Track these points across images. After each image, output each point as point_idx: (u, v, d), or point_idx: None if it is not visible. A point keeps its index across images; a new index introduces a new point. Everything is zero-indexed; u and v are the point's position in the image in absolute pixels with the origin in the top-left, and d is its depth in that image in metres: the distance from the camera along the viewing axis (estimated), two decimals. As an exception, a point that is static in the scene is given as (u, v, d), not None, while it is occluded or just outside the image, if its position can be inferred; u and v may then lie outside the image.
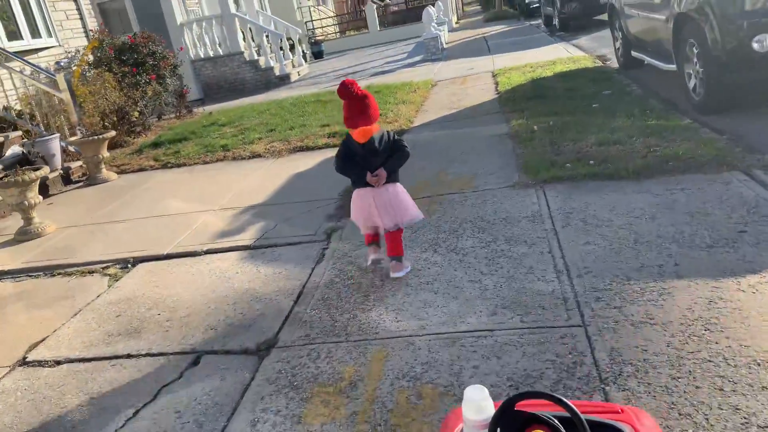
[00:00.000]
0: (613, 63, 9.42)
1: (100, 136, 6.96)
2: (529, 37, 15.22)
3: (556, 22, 15.44)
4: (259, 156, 7.15)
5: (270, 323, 3.19)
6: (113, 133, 7.30)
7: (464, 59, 13.05)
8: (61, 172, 7.13)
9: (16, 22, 9.52)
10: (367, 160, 3.25)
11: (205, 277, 3.97)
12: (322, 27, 23.49)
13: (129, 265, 4.43)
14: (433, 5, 17.86)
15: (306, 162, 6.56)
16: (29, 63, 7.61)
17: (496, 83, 9.27)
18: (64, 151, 7.38)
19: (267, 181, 6.07)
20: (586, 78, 8.22)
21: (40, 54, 9.99)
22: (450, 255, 3.60)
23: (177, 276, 4.08)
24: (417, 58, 14.58)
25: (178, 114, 11.08)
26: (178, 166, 7.35)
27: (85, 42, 10.94)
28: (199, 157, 7.44)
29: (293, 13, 21.84)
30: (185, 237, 4.77)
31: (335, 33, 24.02)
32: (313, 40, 19.97)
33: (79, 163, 7.43)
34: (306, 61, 19.09)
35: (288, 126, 8.27)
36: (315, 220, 4.67)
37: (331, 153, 6.84)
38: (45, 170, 5.54)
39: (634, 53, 8.01)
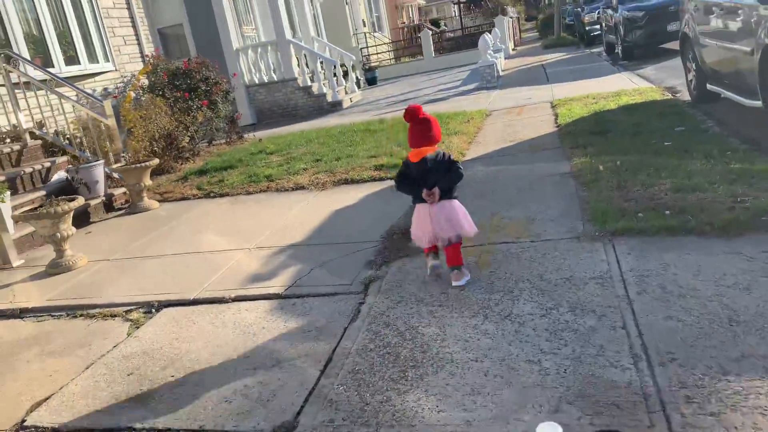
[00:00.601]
0: (684, 95, 8.71)
1: (143, 164, 6.77)
2: (589, 65, 14.55)
3: (618, 50, 14.71)
4: (302, 188, 6.81)
5: (291, 398, 2.74)
6: (156, 161, 7.11)
7: (521, 88, 12.51)
8: (104, 199, 6.97)
9: (74, 47, 9.59)
10: (423, 178, 3.54)
11: (228, 331, 3.56)
12: (377, 53, 23.39)
13: (153, 310, 4.08)
14: (490, 32, 17.42)
15: (350, 196, 6.16)
16: (77, 88, 7.53)
17: (556, 115, 8.69)
18: (108, 177, 7.23)
19: (307, 216, 5.69)
20: (654, 112, 7.56)
21: (97, 78, 10.04)
22: (504, 324, 3.07)
23: (200, 327, 3.70)
24: (471, 86, 14.12)
25: (228, 140, 10.94)
26: (221, 195, 7.07)
27: (141, 66, 10.97)
28: (242, 187, 7.16)
29: (349, 39, 21.81)
30: (215, 279, 4.41)
31: (390, 59, 23.88)
32: (367, 67, 19.82)
33: (123, 189, 7.27)
34: (359, 87, 18.95)
35: (335, 156, 7.92)
36: (353, 267, 4.23)
37: (377, 187, 6.45)
38: (79, 201, 5.32)
39: (709, 86, 7.32)
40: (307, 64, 15.05)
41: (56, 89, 7.38)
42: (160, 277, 4.67)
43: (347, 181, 6.75)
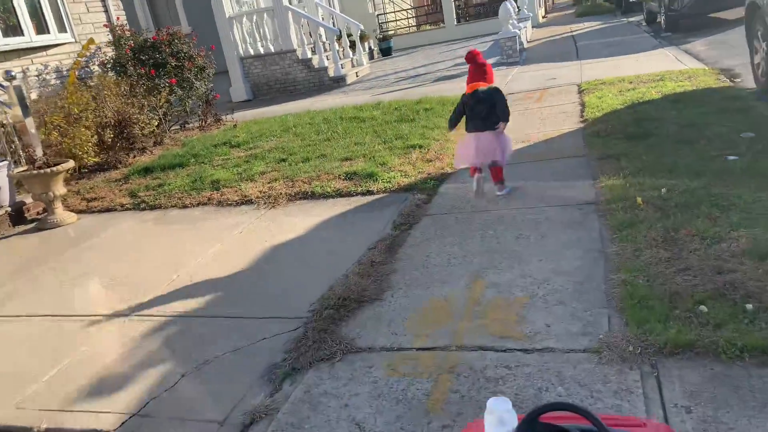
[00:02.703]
0: (747, 82, 6.79)
1: (51, 170, 5.26)
2: (627, 38, 12.45)
3: (662, 19, 12.55)
4: (249, 202, 5.23)
5: None
6: (70, 164, 5.59)
7: (546, 64, 10.58)
8: (9, 209, 5.51)
9: (16, 14, 8.05)
10: (475, 107, 4.22)
11: None
12: (396, 21, 21.34)
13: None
14: (516, -1, 15.34)
15: (300, 222, 4.56)
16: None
17: (582, 104, 6.88)
18: (18, 183, 5.75)
19: (234, 254, 4.13)
20: (710, 106, 5.71)
21: (50, 52, 8.51)
22: None
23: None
24: (491, 61, 12.15)
25: (203, 123, 9.37)
26: (152, 208, 5.54)
27: (110, 38, 9.41)
28: (180, 196, 5.61)
29: (365, 4, 19.81)
30: (46, 380, 2.90)
31: (408, 27, 21.80)
32: (380, 36, 17.89)
33: (40, 196, 5.79)
34: (373, 58, 17.11)
35: (304, 154, 6.30)
36: (244, 375, 2.67)
37: (340, 206, 4.84)
38: None
39: (787, 74, 5.45)
40: (310, 34, 13.30)
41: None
42: (-8, 360, 3.19)
43: (306, 195, 5.15)
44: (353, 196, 4.98)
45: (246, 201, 5.26)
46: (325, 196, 5.07)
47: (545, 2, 25.98)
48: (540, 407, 1.14)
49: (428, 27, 22.06)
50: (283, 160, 6.24)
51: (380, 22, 20.16)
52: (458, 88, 9.44)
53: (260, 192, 5.35)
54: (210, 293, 3.58)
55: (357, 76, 13.44)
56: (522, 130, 6.27)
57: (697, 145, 4.68)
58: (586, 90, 7.56)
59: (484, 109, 4.16)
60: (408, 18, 22.23)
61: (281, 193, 5.24)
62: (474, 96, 4.20)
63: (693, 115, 5.48)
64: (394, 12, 21.53)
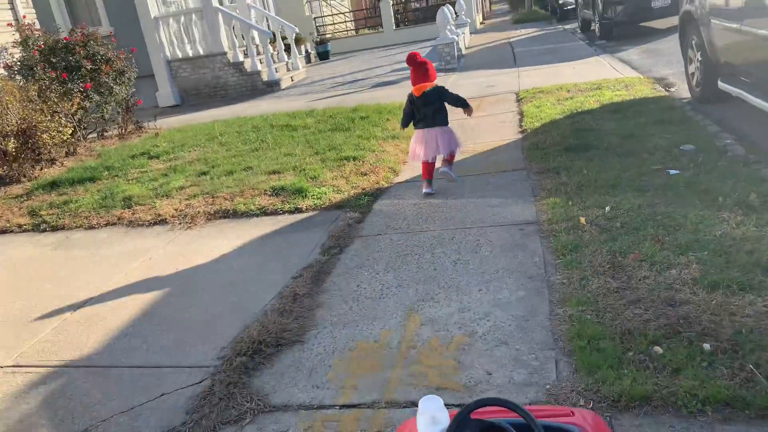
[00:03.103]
0: (681, 92, 6.79)
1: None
2: (563, 45, 12.52)
3: (596, 27, 12.70)
4: (164, 222, 4.73)
5: None
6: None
7: (484, 71, 10.45)
8: None
9: None
10: (424, 107, 4.37)
11: None
12: (334, 24, 20.95)
13: None
14: (453, 4, 15.24)
15: (218, 245, 4.12)
16: None
17: (521, 113, 6.70)
18: None
19: (138, 289, 3.65)
20: (648, 116, 5.61)
21: (-56, 53, 7.68)
22: None
23: None
24: (429, 66, 11.97)
25: (122, 131, 8.70)
26: (54, 229, 4.95)
27: (15, 37, 8.61)
28: (87, 216, 5.04)
29: (301, 7, 19.34)
30: None
31: (346, 31, 21.46)
32: (318, 39, 17.46)
33: None
34: (310, 62, 16.67)
35: (229, 166, 5.83)
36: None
37: (265, 227, 4.41)
38: None
39: (722, 84, 5.39)
40: (243, 37, 12.74)
41: None
42: None
43: (227, 214, 4.70)
44: (279, 214, 4.57)
45: (160, 221, 4.75)
46: (249, 214, 4.63)
47: (483, 8, 26.21)
48: (471, 404, 1.15)
49: (367, 31, 21.81)
50: (205, 173, 5.75)
51: (317, 25, 19.74)
52: (396, 94, 9.17)
53: (176, 210, 4.86)
54: (104, 336, 3.09)
55: (292, 80, 12.98)
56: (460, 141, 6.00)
57: (639, 159, 4.52)
58: (524, 98, 7.41)
59: (433, 108, 4.38)
60: (346, 22, 21.88)
61: (199, 212, 4.76)
62: (422, 97, 4.36)
63: (632, 126, 5.35)
64: (331, 15, 21.16)
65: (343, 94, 10.25)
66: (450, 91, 4.48)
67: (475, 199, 4.31)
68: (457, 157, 5.44)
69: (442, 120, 4.43)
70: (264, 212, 4.62)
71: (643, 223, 3.36)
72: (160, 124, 9.35)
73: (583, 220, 3.50)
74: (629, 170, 4.31)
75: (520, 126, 6.17)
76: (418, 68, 4.38)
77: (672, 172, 4.20)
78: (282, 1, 18.64)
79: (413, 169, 5.32)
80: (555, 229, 3.48)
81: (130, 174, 6.11)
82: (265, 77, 12.11)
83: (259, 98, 11.53)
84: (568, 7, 18.15)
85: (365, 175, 5.16)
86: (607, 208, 3.64)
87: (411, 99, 4.43)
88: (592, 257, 3.05)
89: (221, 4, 14.60)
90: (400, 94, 9.15)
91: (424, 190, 4.50)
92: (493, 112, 7.04)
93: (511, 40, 15.14)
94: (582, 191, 4.01)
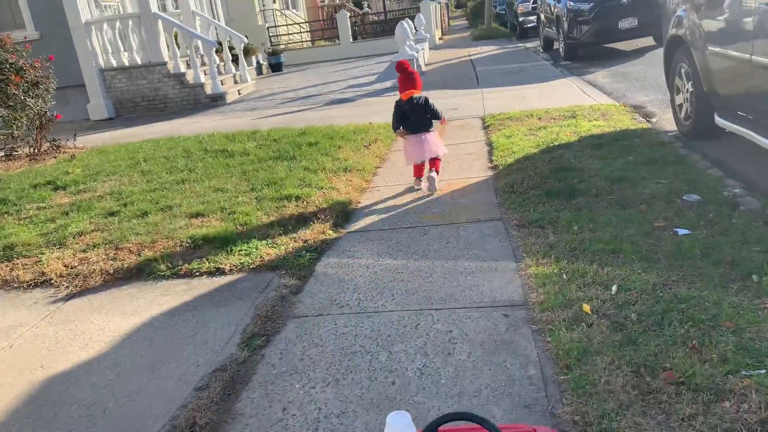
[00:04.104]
0: (664, 122, 6.11)
1: None
2: (527, 65, 11.86)
3: (561, 48, 12.10)
4: (48, 283, 3.66)
5: None
6: None
7: (446, 91, 9.64)
8: None
9: None
10: (413, 113, 4.63)
11: None
12: (288, 34, 19.91)
13: None
14: (413, 19, 14.46)
15: (108, 325, 3.09)
16: None
17: (490, 144, 5.88)
18: None
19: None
20: (636, 154, 4.85)
21: None
22: None
23: None
24: (387, 84, 11.14)
25: (34, 151, 7.49)
26: None
27: None
28: (-52, 272, 3.92)
29: (254, 16, 18.27)
30: None
31: (301, 42, 20.44)
32: (270, 50, 16.41)
33: None
34: (262, 72, 15.61)
35: (144, 205, 4.77)
36: None
37: (180, 294, 3.41)
38: None
39: (720, 120, 4.68)
40: (187, 47, 11.60)
41: None
42: None
43: (130, 274, 3.67)
44: (196, 276, 3.57)
45: (43, 282, 3.68)
46: (157, 275, 3.61)
47: (442, 24, 25.65)
48: (438, 418, 1.14)
49: (323, 43, 20.87)
50: (114, 213, 4.68)
51: (271, 35, 18.71)
52: (352, 114, 8.26)
53: (66, 267, 3.79)
54: None
55: (239, 94, 11.92)
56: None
57: (636, 211, 3.72)
58: (491, 125, 6.60)
59: (419, 114, 4.65)
60: (302, 32, 20.88)
61: (96, 270, 3.71)
62: (410, 103, 4.61)
63: (620, 166, 4.57)
64: (286, 25, 20.13)
65: (293, 112, 9.28)
66: (432, 103, 4.71)
67: (444, 261, 3.42)
68: (413, 200, 4.58)
69: (427, 126, 4.71)
70: (176, 273, 3.61)
71: (665, 315, 2.52)
72: (83, 143, 8.17)
73: (587, 307, 2.64)
74: (628, 228, 3.49)
75: (490, 160, 5.34)
76: (408, 77, 4.65)
77: (681, 231, 3.41)
78: (234, 10, 17.56)
79: (368, 212, 4.40)
80: (551, 319, 2.61)
81: (25, 210, 4.99)
82: (208, 90, 11.03)
83: (202, 113, 10.44)
84: (529, 25, 17.65)
85: (309, 221, 4.20)
86: (614, 288, 2.79)
87: (399, 105, 4.68)
88: (609, 375, 2.18)
89: (164, 10, 13.47)
90: (356, 114, 8.26)
91: (415, 187, 4.86)
92: (458, 141, 6.19)
93: (472, 57, 14.45)
94: (576, 258, 3.17)
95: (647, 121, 6.20)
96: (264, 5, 19.21)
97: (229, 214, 4.40)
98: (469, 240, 3.68)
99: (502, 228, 3.79)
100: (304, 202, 4.57)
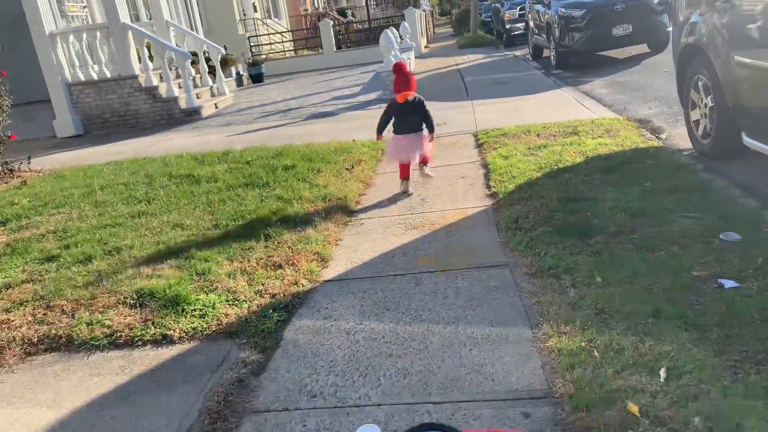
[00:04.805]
0: (676, 139, 5.52)
1: None
2: (518, 74, 11.26)
3: (552, 56, 11.52)
4: (-46, 359, 2.94)
5: None
6: None
7: (434, 104, 8.87)
8: None
9: None
10: (406, 114, 4.65)
11: None
12: (270, 44, 19.21)
13: None
14: (397, 27, 13.84)
15: (20, 419, 2.39)
16: None
17: (486, 166, 5.24)
18: None
19: None
20: (654, 179, 4.22)
21: None
22: None
23: None
24: (372, 96, 10.48)
25: (-16, 177, 6.75)
26: None
27: None
28: None
29: (234, 26, 17.57)
30: None
31: (284, 52, 19.74)
32: (251, 61, 15.71)
33: None
34: (242, 84, 14.91)
35: (89, 248, 4.05)
36: None
37: (108, 376, 2.68)
38: None
39: (749, 140, 4.09)
40: (161, 59, 10.87)
41: None
42: None
43: (58, 344, 2.97)
44: (137, 346, 2.88)
45: (-57, 359, 2.96)
46: (90, 346, 2.91)
47: (427, 32, 25.10)
48: (410, 429, 1.06)
49: (306, 52, 20.21)
50: (54, 258, 3.97)
51: (252, 45, 18.01)
52: (334, 130, 7.59)
53: (-22, 336, 3.07)
54: None
55: (216, 107, 11.22)
56: (412, 206, 4.48)
57: (668, 255, 3.09)
58: (485, 143, 5.96)
59: (413, 115, 4.67)
60: (284, 42, 20.20)
61: (17, 338, 3.01)
62: (405, 104, 4.63)
63: (637, 195, 3.94)
64: (268, 35, 19.43)
65: (271, 128, 8.60)
66: (425, 104, 4.72)
67: (442, 325, 2.75)
68: (411, 235, 3.90)
69: (419, 126, 4.70)
70: (114, 342, 2.91)
71: (737, 417, 1.88)
72: (41, 164, 7.42)
73: (634, 408, 1.99)
74: (661, 278, 2.86)
75: (488, 186, 4.69)
76: (403, 78, 4.65)
77: (727, 284, 2.78)
78: (213, 20, 16.87)
79: (350, 252, 3.73)
80: (588, 426, 1.95)
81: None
82: (183, 104, 10.31)
83: (175, 129, 9.72)
84: (516, 32, 17.13)
85: (279, 268, 3.52)
86: (663, 374, 2.15)
87: (393, 105, 4.71)
88: None
89: (137, 20, 12.75)
90: (338, 129, 7.60)
91: (401, 189, 4.78)
92: (450, 162, 5.55)
93: (459, 67, 13.85)
94: (606, 324, 2.52)
95: (657, 137, 5.59)
96: (245, 14, 18.52)
97: (185, 259, 3.70)
98: (470, 294, 3.02)
99: (509, 278, 3.14)
100: (275, 242, 3.89)
